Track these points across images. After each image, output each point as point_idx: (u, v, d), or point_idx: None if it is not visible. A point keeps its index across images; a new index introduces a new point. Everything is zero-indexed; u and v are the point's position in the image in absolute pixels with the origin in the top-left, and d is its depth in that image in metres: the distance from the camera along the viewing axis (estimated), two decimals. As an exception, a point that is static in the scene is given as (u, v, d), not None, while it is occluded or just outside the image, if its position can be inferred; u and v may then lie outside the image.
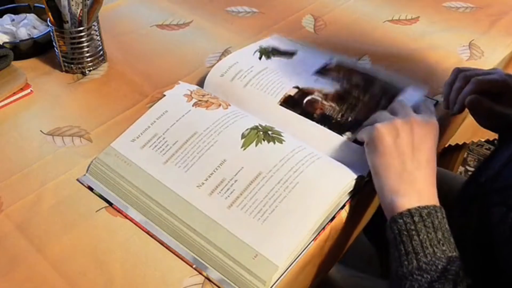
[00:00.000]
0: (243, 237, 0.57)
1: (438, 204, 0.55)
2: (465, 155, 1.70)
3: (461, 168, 1.70)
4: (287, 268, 0.56)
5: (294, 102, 0.72)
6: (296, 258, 0.57)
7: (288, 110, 0.71)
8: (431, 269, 0.51)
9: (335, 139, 0.67)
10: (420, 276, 0.51)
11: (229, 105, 0.72)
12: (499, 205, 0.54)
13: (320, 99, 0.72)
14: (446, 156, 1.34)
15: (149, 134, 0.68)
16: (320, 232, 0.59)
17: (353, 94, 0.73)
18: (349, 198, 0.63)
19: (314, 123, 0.69)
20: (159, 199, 0.61)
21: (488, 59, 0.89)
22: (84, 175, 0.66)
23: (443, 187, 0.60)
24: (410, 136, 0.58)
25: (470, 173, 1.70)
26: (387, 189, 0.57)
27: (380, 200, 0.58)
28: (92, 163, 0.67)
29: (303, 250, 0.58)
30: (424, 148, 0.58)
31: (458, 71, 0.71)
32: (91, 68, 0.85)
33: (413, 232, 0.52)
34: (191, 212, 0.60)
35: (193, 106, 0.71)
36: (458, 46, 0.92)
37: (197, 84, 0.79)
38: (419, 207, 0.53)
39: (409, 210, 0.53)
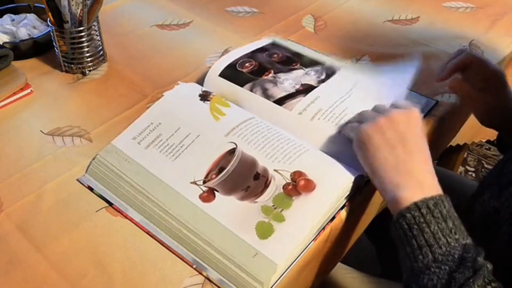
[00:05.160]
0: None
1: (441, 192, 0.55)
2: (465, 155, 1.70)
3: (461, 168, 1.70)
4: (287, 269, 0.56)
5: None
6: (296, 259, 0.57)
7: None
8: (448, 259, 0.50)
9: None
10: (438, 268, 0.49)
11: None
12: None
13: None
14: (446, 156, 1.34)
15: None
16: (320, 232, 0.59)
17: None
18: (349, 199, 0.62)
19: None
20: (159, 197, 0.61)
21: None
22: (84, 175, 0.66)
23: (445, 186, 0.59)
24: (396, 129, 0.58)
25: (470, 173, 1.71)
26: (387, 185, 0.56)
27: (383, 198, 0.58)
28: (92, 162, 0.66)
29: (303, 251, 0.58)
30: (411, 137, 0.58)
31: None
32: (91, 68, 0.85)
33: (423, 225, 0.51)
34: (190, 211, 0.59)
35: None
36: (458, 46, 0.92)
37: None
38: (424, 198, 0.52)
39: (415, 203, 0.52)
